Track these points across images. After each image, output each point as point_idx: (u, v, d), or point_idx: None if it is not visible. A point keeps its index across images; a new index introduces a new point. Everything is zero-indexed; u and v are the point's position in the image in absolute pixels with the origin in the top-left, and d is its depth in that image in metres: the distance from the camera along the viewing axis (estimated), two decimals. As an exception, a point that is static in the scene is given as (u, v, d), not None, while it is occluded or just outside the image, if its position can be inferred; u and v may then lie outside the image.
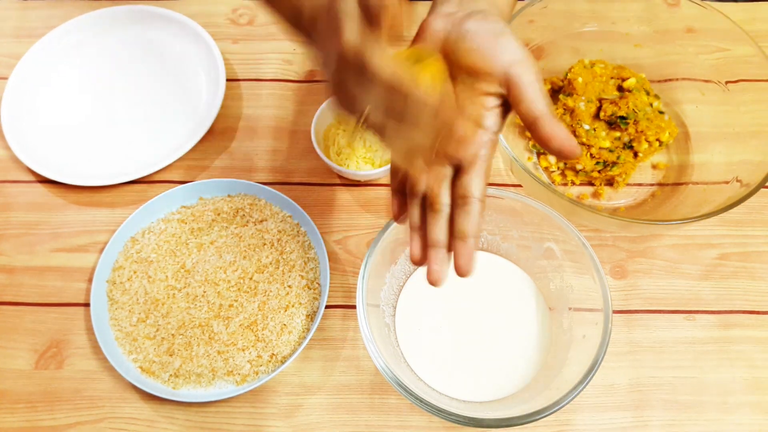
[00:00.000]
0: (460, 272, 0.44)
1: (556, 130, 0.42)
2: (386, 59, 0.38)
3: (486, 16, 0.44)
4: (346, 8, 0.38)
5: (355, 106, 0.41)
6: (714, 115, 0.65)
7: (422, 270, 0.59)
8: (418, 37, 0.46)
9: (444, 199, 0.44)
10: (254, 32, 0.76)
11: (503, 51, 0.43)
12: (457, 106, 0.44)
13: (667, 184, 0.65)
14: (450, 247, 0.45)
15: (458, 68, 0.44)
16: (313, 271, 0.60)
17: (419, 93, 0.38)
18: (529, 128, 0.43)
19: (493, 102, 0.44)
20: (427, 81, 0.40)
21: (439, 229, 0.44)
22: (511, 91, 0.43)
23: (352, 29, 0.38)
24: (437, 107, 0.39)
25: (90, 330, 0.58)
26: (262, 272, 0.59)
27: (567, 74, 0.66)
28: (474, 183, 0.43)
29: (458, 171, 0.44)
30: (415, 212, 0.46)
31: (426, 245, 0.45)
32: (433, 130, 0.40)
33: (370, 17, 0.38)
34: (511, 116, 0.68)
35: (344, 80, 0.40)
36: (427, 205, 0.45)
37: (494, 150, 0.45)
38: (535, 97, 0.42)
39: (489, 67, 0.43)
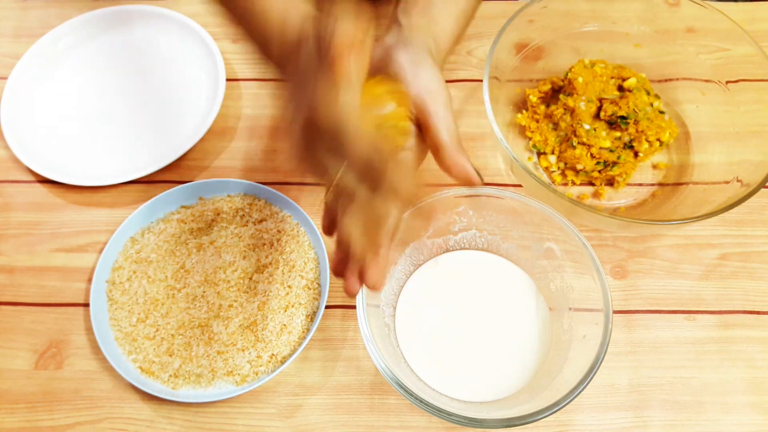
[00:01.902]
0: (369, 286, 0.44)
1: (457, 160, 0.43)
2: (363, 127, 0.37)
3: (411, 45, 0.46)
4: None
5: (317, 163, 0.40)
6: (714, 115, 0.65)
7: (422, 270, 0.59)
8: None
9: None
10: (254, 32, 0.76)
11: (417, 80, 0.44)
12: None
13: (668, 184, 0.65)
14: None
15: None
16: (313, 271, 0.59)
17: (396, 171, 0.38)
18: (434, 156, 0.44)
19: (412, 126, 0.45)
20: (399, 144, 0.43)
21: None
22: (420, 119, 0.44)
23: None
24: (412, 176, 0.41)
25: (89, 330, 0.58)
26: (262, 272, 0.59)
27: (567, 74, 0.66)
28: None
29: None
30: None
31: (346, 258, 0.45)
32: (405, 193, 0.40)
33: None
34: (512, 116, 0.69)
35: (311, 135, 0.40)
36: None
37: (417, 166, 0.46)
38: (441, 127, 0.43)
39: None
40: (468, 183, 0.44)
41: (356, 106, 0.37)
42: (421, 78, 0.44)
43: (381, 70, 0.46)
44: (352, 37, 0.36)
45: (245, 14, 0.46)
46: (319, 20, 0.37)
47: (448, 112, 0.44)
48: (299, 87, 0.40)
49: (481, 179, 0.44)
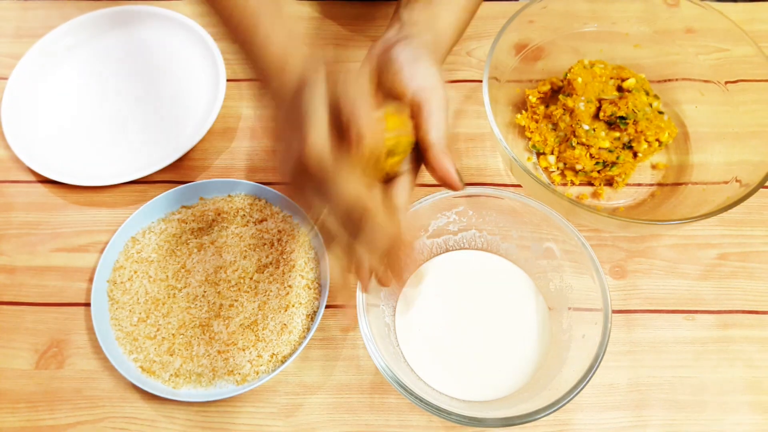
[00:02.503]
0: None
1: (442, 162, 0.43)
2: (349, 179, 0.38)
3: (411, 41, 0.46)
4: (314, 109, 0.39)
5: (308, 202, 0.42)
6: (713, 115, 0.65)
7: (422, 270, 0.59)
8: (364, 61, 0.48)
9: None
10: (254, 32, 0.76)
11: (416, 76, 0.44)
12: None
13: (667, 184, 0.65)
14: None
15: (383, 91, 0.45)
16: (313, 271, 0.60)
17: (378, 221, 0.39)
18: (423, 154, 0.44)
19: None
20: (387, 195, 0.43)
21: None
22: (415, 115, 0.44)
23: (317, 135, 0.38)
24: (392, 233, 0.41)
25: (90, 330, 0.58)
26: (263, 272, 0.59)
27: (567, 74, 0.66)
28: (399, 194, 0.45)
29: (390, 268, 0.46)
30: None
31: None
32: (383, 249, 0.42)
33: (339, 126, 0.39)
34: (511, 116, 0.69)
35: (300, 177, 0.41)
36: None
37: (417, 172, 0.46)
38: (431, 126, 0.43)
39: (401, 90, 0.44)
40: (449, 186, 0.43)
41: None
42: (418, 75, 0.44)
43: (380, 66, 0.46)
44: (370, 118, 0.38)
45: (246, 45, 0.46)
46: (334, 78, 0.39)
47: (441, 111, 0.43)
48: (295, 126, 0.41)
49: (463, 184, 0.44)
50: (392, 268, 0.44)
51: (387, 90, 0.45)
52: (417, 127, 0.43)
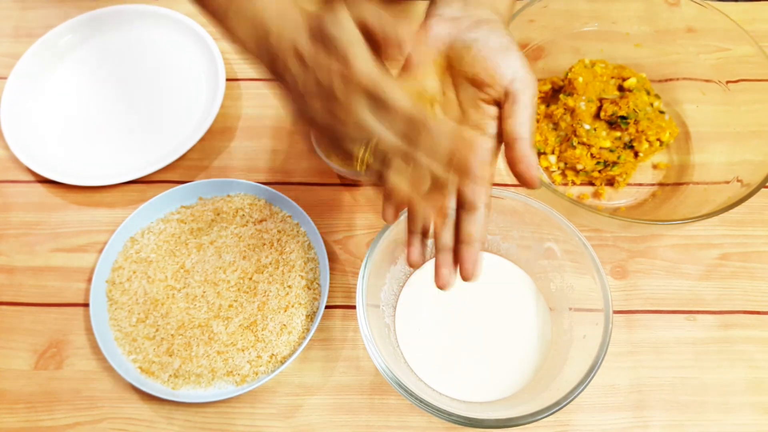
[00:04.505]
0: (466, 276, 0.45)
1: (528, 157, 0.42)
2: (404, 89, 0.38)
3: (493, 27, 0.45)
4: (348, 36, 0.37)
5: (352, 139, 0.40)
6: (715, 114, 0.65)
7: (422, 270, 0.59)
8: (418, 39, 0.45)
9: (451, 203, 0.45)
10: (254, 32, 0.76)
11: (508, 65, 0.43)
12: (460, 112, 0.44)
13: (668, 184, 0.65)
14: (456, 251, 0.45)
15: (461, 76, 0.44)
16: (313, 272, 0.59)
17: (439, 123, 0.38)
18: (506, 145, 0.43)
19: (494, 111, 0.44)
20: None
21: (447, 233, 0.45)
22: (505, 105, 0.43)
23: (363, 58, 0.37)
24: (454, 137, 0.39)
25: (89, 330, 0.58)
26: (262, 272, 0.59)
27: (567, 74, 0.66)
28: (479, 190, 0.44)
29: (462, 177, 0.44)
30: (416, 216, 0.46)
31: (423, 248, 0.46)
32: (447, 159, 0.40)
33: (376, 43, 0.38)
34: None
35: (339, 113, 0.39)
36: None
37: (497, 156, 0.45)
38: (523, 119, 0.43)
39: (492, 79, 0.43)
40: (528, 181, 0.43)
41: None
42: (512, 65, 0.43)
43: (452, 48, 0.44)
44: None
45: (239, 10, 0.43)
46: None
47: (532, 107, 0.43)
48: (320, 63, 0.39)
49: (539, 184, 0.43)
50: (462, 173, 0.42)
51: (471, 75, 0.43)
52: (506, 118, 0.43)
